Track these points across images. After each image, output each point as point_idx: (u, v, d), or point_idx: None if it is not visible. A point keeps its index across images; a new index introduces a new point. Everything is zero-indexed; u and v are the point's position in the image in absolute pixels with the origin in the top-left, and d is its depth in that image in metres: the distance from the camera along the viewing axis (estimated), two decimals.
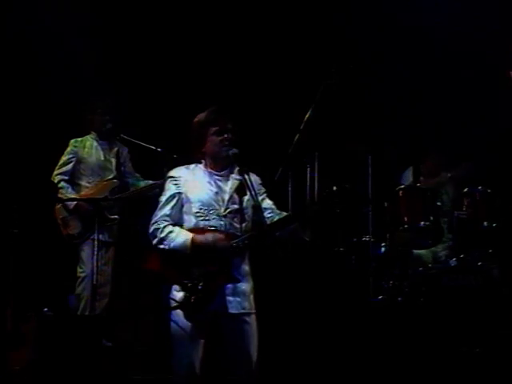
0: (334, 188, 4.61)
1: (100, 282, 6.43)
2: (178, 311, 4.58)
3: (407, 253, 6.71)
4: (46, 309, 5.92)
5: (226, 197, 4.72)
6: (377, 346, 6.02)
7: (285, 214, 4.80)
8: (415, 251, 6.79)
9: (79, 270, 6.59)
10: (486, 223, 6.43)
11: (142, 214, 7.03)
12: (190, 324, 4.58)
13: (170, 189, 4.75)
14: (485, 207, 6.45)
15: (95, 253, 6.38)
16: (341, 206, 4.60)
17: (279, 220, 4.69)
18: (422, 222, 6.40)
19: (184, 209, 4.72)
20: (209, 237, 4.59)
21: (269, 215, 4.76)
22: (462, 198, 6.54)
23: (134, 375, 5.89)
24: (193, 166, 4.84)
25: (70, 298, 6.73)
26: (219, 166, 4.79)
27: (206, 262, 4.59)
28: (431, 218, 6.40)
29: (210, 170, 4.78)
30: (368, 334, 6.12)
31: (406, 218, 6.42)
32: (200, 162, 4.82)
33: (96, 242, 6.40)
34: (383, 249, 6.59)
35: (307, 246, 6.23)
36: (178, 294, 4.59)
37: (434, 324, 6.00)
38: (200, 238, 4.60)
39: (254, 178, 4.79)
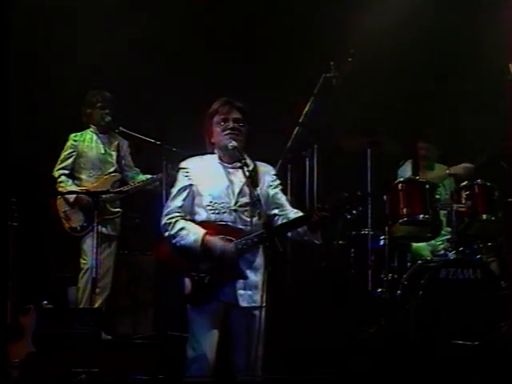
0: (346, 195, 4.57)
1: (101, 275, 6.43)
2: None
3: (406, 246, 6.72)
4: (45, 301, 5.92)
5: (236, 190, 4.69)
6: (375, 339, 6.03)
7: (295, 212, 4.76)
8: (414, 244, 6.80)
9: (82, 261, 6.57)
10: (484, 216, 6.44)
11: (141, 207, 7.09)
12: (204, 316, 4.61)
13: (181, 180, 4.74)
14: (484, 200, 6.46)
15: (95, 246, 6.38)
16: (351, 213, 4.57)
17: (289, 222, 4.66)
18: (421, 215, 6.42)
19: (195, 201, 4.70)
20: (218, 244, 4.55)
21: (281, 213, 4.76)
22: (460, 191, 6.55)
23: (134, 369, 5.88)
24: (207, 156, 4.80)
25: (69, 290, 6.74)
26: (229, 157, 4.75)
27: (214, 257, 4.59)
28: (430, 211, 6.41)
29: (222, 162, 4.76)
30: (368, 327, 6.14)
31: (404, 211, 6.44)
32: (214, 153, 4.80)
33: (96, 235, 6.39)
34: (382, 242, 6.60)
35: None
36: (189, 286, 4.63)
37: (433, 317, 6.00)
38: (210, 241, 4.56)
39: (267, 169, 4.81)
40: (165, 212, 4.71)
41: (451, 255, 6.31)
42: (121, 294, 6.93)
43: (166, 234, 4.66)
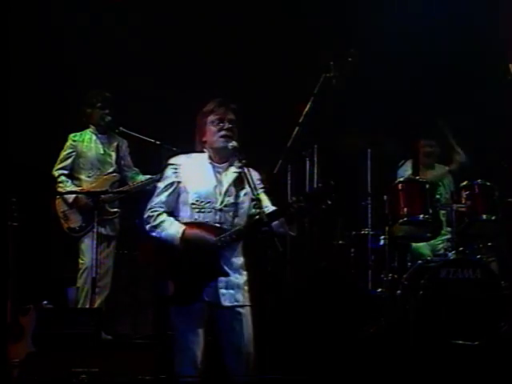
0: (320, 185, 4.60)
1: (100, 274, 6.43)
2: None
3: (406, 246, 6.72)
4: (45, 301, 5.92)
5: (223, 190, 4.71)
6: (375, 339, 6.03)
7: (275, 209, 4.75)
8: (414, 244, 6.80)
9: (80, 261, 6.58)
10: (484, 216, 6.44)
11: (140, 207, 7.07)
12: (189, 317, 4.60)
13: (168, 176, 4.74)
14: (483, 200, 6.46)
15: (95, 246, 6.39)
16: (326, 203, 4.59)
17: (266, 215, 4.61)
18: (421, 215, 6.42)
19: (181, 198, 4.71)
20: (198, 234, 4.57)
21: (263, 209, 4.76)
22: (460, 191, 6.55)
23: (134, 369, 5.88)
24: (197, 154, 4.80)
25: (69, 290, 6.74)
26: (220, 157, 4.76)
27: (193, 257, 4.59)
28: (430, 210, 6.41)
29: (212, 161, 4.76)
30: (367, 327, 6.13)
31: (405, 211, 6.44)
32: (203, 152, 4.80)
33: (95, 235, 6.40)
34: (382, 242, 6.60)
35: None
36: (171, 287, 4.62)
37: (433, 317, 6.00)
38: (190, 233, 4.58)
39: (253, 174, 4.78)
40: (148, 206, 4.72)
41: (451, 255, 6.31)
42: (121, 293, 6.93)
43: (148, 226, 4.66)
